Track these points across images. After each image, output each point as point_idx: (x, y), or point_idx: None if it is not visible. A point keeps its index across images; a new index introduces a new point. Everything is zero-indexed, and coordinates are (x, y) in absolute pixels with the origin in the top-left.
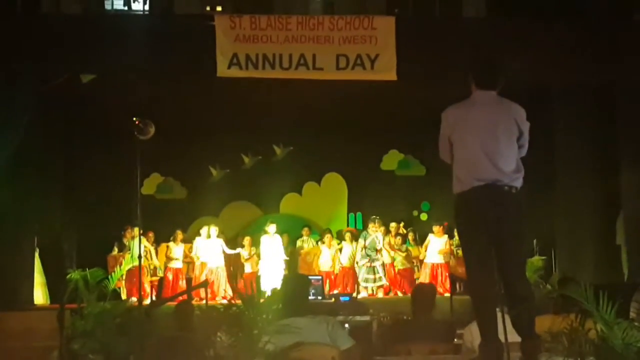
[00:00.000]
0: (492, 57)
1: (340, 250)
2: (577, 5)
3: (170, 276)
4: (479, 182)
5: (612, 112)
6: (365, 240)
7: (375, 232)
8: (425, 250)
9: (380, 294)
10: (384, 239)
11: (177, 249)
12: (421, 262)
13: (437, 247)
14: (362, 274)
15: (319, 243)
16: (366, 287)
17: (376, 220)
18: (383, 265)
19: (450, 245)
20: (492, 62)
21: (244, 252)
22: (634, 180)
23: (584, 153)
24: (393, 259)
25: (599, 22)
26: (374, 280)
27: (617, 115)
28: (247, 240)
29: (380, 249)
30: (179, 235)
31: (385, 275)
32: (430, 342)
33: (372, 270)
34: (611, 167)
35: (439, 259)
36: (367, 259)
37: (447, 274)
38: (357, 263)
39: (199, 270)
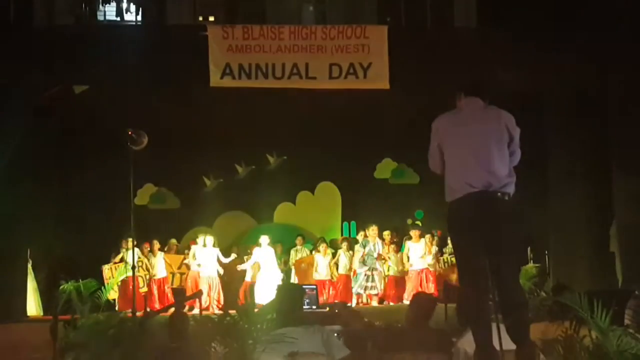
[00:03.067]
0: (479, 67)
1: (335, 258)
2: (569, 14)
3: (155, 288)
4: (472, 189)
5: (603, 120)
6: (365, 248)
7: (374, 240)
8: (407, 259)
9: (375, 303)
10: (382, 247)
11: (157, 259)
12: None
13: (417, 253)
14: (359, 282)
15: (314, 252)
16: (360, 295)
17: (375, 227)
18: (380, 274)
19: (443, 253)
20: (479, 76)
21: (246, 262)
22: (626, 187)
23: (577, 161)
24: (388, 267)
25: (589, 31)
26: (369, 288)
27: (609, 122)
28: (252, 249)
29: (379, 256)
30: (156, 245)
31: (380, 284)
32: (426, 351)
33: (371, 278)
34: (604, 174)
35: (422, 264)
36: (367, 267)
37: (433, 279)
38: (353, 271)
39: (193, 279)
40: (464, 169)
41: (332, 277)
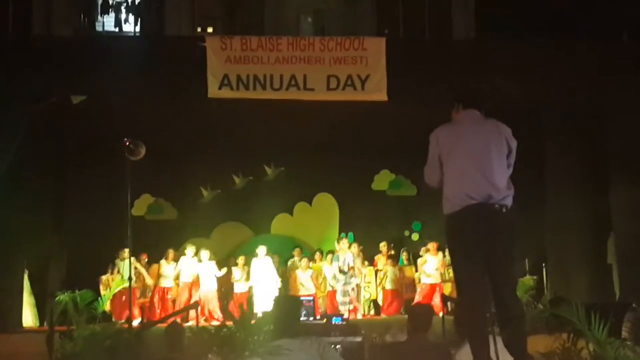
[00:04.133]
0: (478, 79)
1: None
2: (567, 25)
3: (158, 295)
4: (471, 200)
5: (602, 131)
6: (338, 262)
7: (344, 252)
8: (423, 270)
9: (359, 316)
10: (354, 258)
11: (168, 268)
12: (413, 282)
13: (433, 266)
14: (339, 297)
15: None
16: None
17: (343, 239)
18: (357, 287)
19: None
20: (477, 83)
21: (236, 272)
22: (624, 199)
23: (574, 172)
24: (383, 278)
25: (589, 42)
26: (347, 303)
27: (607, 133)
28: (241, 259)
29: (352, 268)
30: (171, 253)
31: (358, 298)
32: None
33: (347, 293)
34: (601, 186)
35: (435, 279)
36: (343, 281)
37: (440, 294)
38: (332, 286)
39: (184, 291)
40: (465, 180)
41: (316, 292)
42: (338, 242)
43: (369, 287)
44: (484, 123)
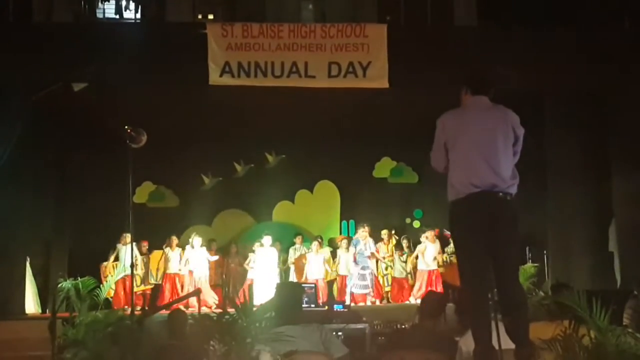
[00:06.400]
0: (484, 64)
1: (336, 257)
2: (569, 12)
3: (168, 283)
4: (475, 189)
5: (603, 119)
6: (356, 247)
7: (365, 239)
8: (422, 257)
9: (369, 302)
10: (375, 246)
11: (173, 254)
12: (414, 269)
13: (432, 254)
14: (353, 281)
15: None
16: (354, 294)
17: (365, 226)
18: (372, 273)
19: (443, 252)
20: (484, 68)
21: (253, 259)
22: (625, 187)
23: (576, 160)
24: (386, 267)
25: (591, 29)
26: (362, 287)
27: (609, 121)
28: (258, 245)
29: (372, 255)
30: (174, 240)
31: (372, 285)
32: (426, 350)
33: (363, 277)
34: (603, 173)
35: (434, 265)
36: (360, 266)
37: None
38: (348, 270)
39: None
40: (470, 168)
41: (326, 276)
42: (359, 229)
43: None
44: (491, 110)
